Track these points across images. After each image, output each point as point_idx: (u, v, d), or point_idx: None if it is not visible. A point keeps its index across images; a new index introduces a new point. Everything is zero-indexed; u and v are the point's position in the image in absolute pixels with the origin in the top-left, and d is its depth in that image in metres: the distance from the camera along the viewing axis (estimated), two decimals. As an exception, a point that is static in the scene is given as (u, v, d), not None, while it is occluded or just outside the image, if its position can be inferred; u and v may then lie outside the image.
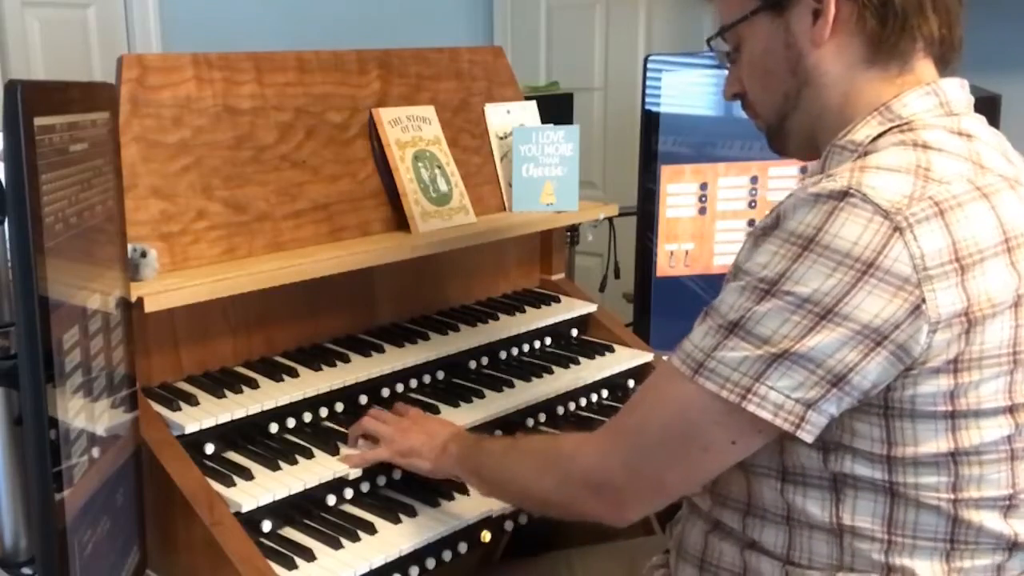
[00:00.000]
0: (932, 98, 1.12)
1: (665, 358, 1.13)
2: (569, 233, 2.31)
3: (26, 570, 1.23)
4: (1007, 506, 1.08)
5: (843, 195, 1.00)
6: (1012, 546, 1.09)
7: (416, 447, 1.48)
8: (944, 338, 0.99)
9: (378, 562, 1.38)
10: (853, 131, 1.13)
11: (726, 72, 1.27)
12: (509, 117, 2.11)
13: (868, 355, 0.99)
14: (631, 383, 2.00)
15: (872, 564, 1.09)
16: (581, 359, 1.95)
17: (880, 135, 1.10)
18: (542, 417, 1.81)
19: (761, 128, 1.26)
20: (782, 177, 2.31)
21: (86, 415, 1.10)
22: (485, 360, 1.87)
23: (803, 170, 2.28)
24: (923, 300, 0.98)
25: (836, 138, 1.15)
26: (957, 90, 1.14)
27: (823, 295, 0.99)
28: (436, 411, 1.66)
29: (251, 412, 1.51)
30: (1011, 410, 1.04)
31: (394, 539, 1.43)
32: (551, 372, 1.87)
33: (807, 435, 1.03)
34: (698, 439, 1.08)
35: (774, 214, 1.06)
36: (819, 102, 1.17)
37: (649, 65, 2.34)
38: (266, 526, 1.41)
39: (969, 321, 1.00)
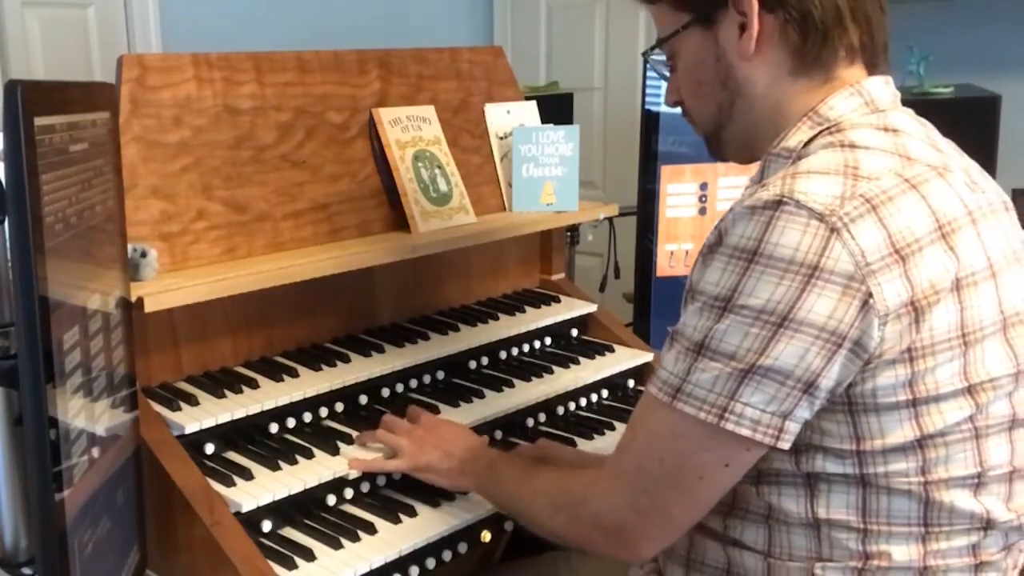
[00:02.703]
0: (856, 98, 1.16)
1: (647, 389, 1.14)
2: (569, 233, 2.31)
3: (26, 570, 1.23)
4: (976, 484, 1.10)
5: (777, 204, 1.02)
6: (986, 524, 1.11)
7: (433, 463, 1.49)
8: (895, 329, 1.01)
9: (378, 562, 1.39)
10: (786, 138, 1.17)
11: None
12: (509, 117, 2.11)
13: (831, 357, 1.01)
14: (631, 383, 2.00)
15: (850, 553, 1.11)
16: (581, 359, 1.95)
17: (811, 139, 1.14)
18: (542, 417, 1.81)
19: (699, 134, 1.30)
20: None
21: (86, 415, 1.10)
22: (485, 360, 1.87)
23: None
24: (870, 295, 1.00)
25: (771, 146, 1.18)
26: (881, 87, 1.18)
27: (776, 304, 1.01)
28: (436, 411, 1.66)
29: (251, 412, 1.51)
30: (969, 391, 1.06)
31: (394, 539, 1.43)
32: (551, 372, 1.87)
33: (785, 444, 1.05)
34: (693, 468, 1.10)
35: (716, 230, 1.09)
36: (751, 113, 1.20)
37: (649, 65, 2.34)
38: (266, 526, 1.41)
39: (916, 310, 1.02)
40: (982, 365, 1.07)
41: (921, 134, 1.15)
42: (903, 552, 1.10)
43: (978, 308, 1.06)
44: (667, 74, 1.29)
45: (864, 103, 1.15)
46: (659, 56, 1.29)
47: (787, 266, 1.00)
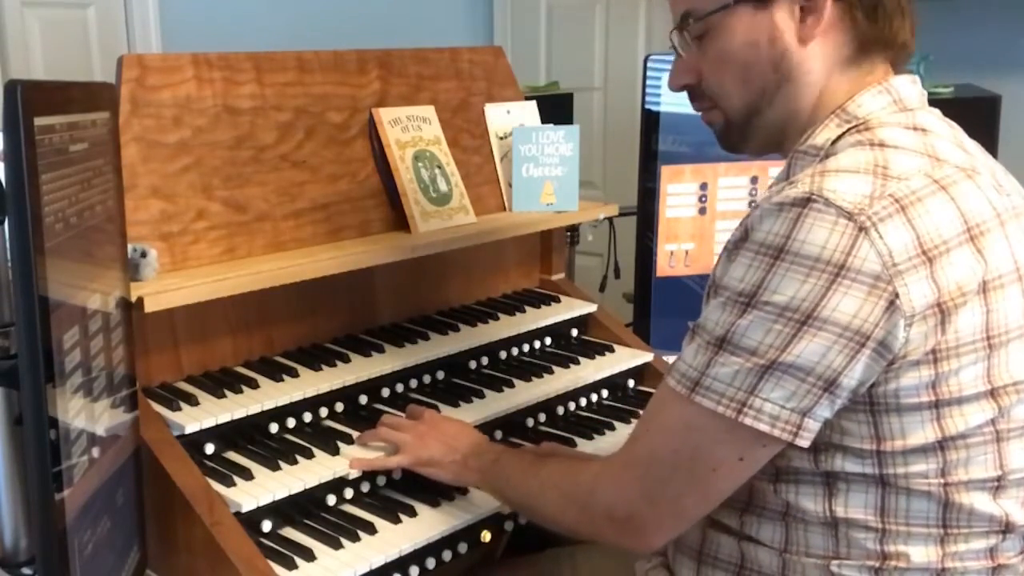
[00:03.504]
0: (885, 96, 1.15)
1: (664, 381, 1.14)
2: (569, 233, 2.31)
3: (26, 570, 1.23)
4: (995, 487, 1.10)
5: (806, 201, 1.02)
6: (1004, 528, 1.11)
7: (436, 457, 1.48)
8: (921, 331, 1.01)
9: (378, 562, 1.38)
10: (813, 136, 1.15)
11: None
12: (509, 117, 2.11)
13: (854, 356, 1.01)
14: (631, 383, 2.00)
15: (868, 552, 1.11)
16: (581, 359, 1.95)
17: (839, 137, 1.13)
18: (542, 417, 1.81)
19: (712, 123, 1.24)
20: (782, 177, 2.31)
21: (86, 415, 1.10)
22: (485, 360, 1.87)
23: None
24: (896, 295, 1.00)
25: (798, 143, 1.17)
26: (908, 86, 1.17)
27: (800, 301, 1.01)
28: (436, 411, 1.66)
29: (251, 412, 1.51)
30: (992, 394, 1.06)
31: (394, 539, 1.43)
32: (551, 372, 1.87)
33: (804, 442, 1.05)
34: (707, 461, 1.09)
35: (742, 227, 1.08)
36: (794, 100, 1.17)
37: (649, 65, 2.34)
38: (266, 526, 1.41)
39: (942, 311, 1.02)
40: (1006, 368, 1.06)
41: (949, 135, 1.15)
42: (921, 553, 1.10)
43: (1004, 311, 1.05)
44: (682, 52, 1.22)
45: (892, 101, 1.15)
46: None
47: (813, 264, 1.00)
